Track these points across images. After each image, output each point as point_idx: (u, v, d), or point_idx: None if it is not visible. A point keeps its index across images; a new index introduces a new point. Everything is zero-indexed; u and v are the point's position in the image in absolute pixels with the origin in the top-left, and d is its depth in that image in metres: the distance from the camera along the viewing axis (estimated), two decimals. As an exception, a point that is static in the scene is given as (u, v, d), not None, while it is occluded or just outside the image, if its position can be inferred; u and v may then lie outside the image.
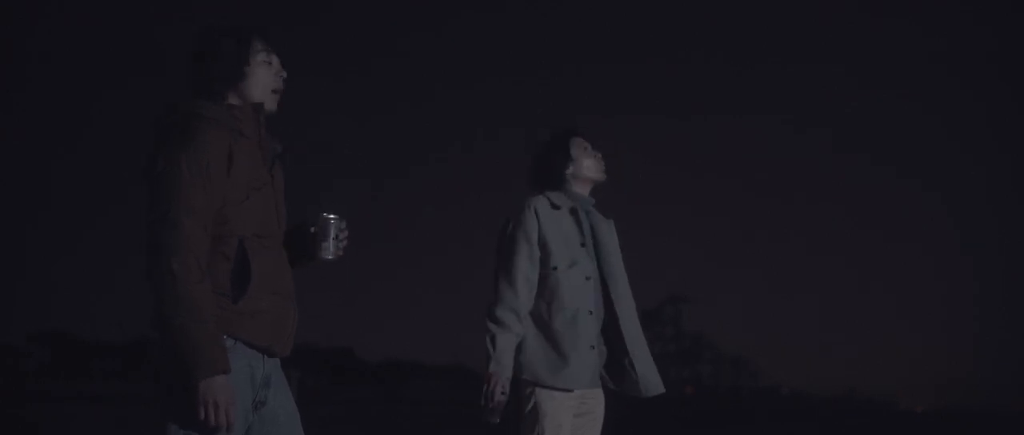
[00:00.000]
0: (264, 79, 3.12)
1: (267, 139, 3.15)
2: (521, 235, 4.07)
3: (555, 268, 4.08)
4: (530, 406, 4.03)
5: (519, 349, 4.05)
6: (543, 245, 4.09)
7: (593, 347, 4.12)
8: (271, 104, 3.14)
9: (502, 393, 3.96)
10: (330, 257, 3.17)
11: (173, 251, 2.87)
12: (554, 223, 4.13)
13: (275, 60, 3.15)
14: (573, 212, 4.22)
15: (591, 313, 4.12)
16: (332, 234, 3.17)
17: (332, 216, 3.16)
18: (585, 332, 4.10)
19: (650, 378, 4.18)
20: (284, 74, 3.15)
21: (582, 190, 4.26)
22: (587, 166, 4.24)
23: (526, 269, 4.05)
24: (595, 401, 4.17)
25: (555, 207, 4.17)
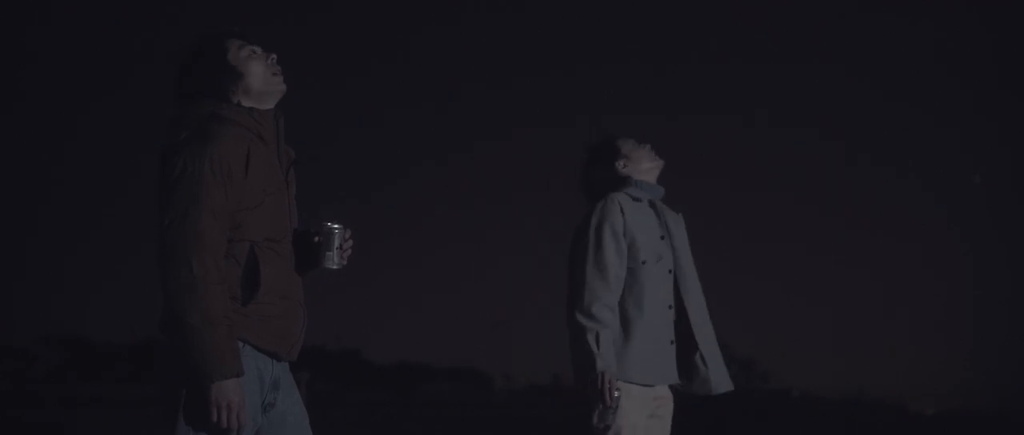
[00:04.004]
0: (259, 69, 3.11)
1: (284, 145, 3.16)
2: (608, 229, 4.01)
3: (644, 262, 4.04)
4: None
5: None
6: (630, 239, 4.03)
7: (673, 342, 4.09)
8: (278, 85, 3.13)
9: (617, 390, 3.90)
10: (334, 267, 3.17)
11: (193, 252, 2.88)
12: (637, 216, 4.09)
13: (259, 49, 3.14)
14: (651, 204, 4.19)
15: (671, 308, 4.10)
16: (336, 243, 3.16)
17: (336, 225, 3.16)
18: (666, 327, 4.08)
19: (719, 375, 4.14)
20: (274, 55, 3.14)
21: (651, 179, 4.21)
22: (643, 157, 4.20)
23: (616, 264, 3.99)
24: (666, 405, 4.13)
25: (635, 200, 4.13)
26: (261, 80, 3.11)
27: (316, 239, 3.17)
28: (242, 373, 2.92)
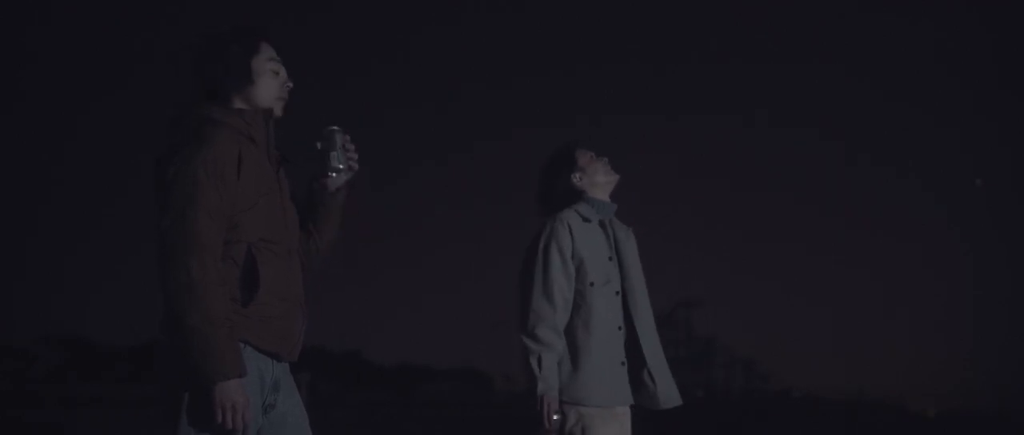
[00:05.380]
0: (271, 88, 3.13)
1: (274, 146, 3.16)
2: (555, 251, 4.01)
3: (592, 284, 4.04)
4: (575, 428, 3.99)
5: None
6: (578, 261, 4.03)
7: (623, 363, 4.09)
8: (278, 110, 3.16)
9: (557, 413, 3.93)
10: (340, 166, 3.15)
11: (191, 253, 2.89)
12: (586, 237, 4.08)
13: (283, 71, 3.15)
14: (601, 224, 4.16)
15: (620, 329, 4.10)
16: (338, 143, 3.15)
17: (335, 126, 3.14)
18: (617, 348, 4.08)
19: (667, 390, 4.14)
20: (290, 84, 3.16)
21: (603, 197, 4.18)
22: (598, 171, 4.17)
23: (563, 286, 4.00)
24: (624, 421, 4.13)
25: (586, 220, 4.11)
26: (268, 99, 3.13)
27: (318, 145, 3.17)
28: (244, 373, 2.92)
